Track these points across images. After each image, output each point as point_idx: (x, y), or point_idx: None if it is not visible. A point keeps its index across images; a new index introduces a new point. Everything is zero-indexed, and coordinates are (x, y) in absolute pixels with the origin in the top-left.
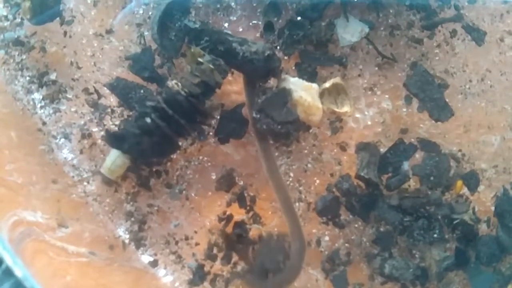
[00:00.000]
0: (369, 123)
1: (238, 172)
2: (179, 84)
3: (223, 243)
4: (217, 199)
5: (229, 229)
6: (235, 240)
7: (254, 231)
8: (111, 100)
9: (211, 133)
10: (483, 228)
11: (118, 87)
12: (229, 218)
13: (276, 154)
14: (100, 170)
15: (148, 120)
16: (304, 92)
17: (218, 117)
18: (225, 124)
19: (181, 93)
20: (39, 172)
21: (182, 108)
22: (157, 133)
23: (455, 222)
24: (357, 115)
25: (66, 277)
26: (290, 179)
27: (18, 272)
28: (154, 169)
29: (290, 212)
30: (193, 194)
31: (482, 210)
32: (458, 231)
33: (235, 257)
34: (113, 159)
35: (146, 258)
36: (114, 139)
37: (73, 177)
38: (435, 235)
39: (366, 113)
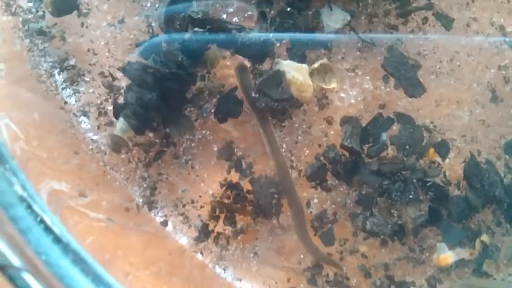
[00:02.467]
0: (353, 101)
1: (236, 144)
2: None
3: (224, 206)
4: (219, 168)
5: (228, 194)
6: (233, 201)
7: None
8: (124, 82)
9: (212, 110)
10: (454, 190)
11: (129, 70)
12: (229, 183)
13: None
14: (114, 132)
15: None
16: (296, 72)
17: (216, 99)
18: (222, 105)
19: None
20: (61, 147)
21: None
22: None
23: (428, 184)
24: (342, 95)
25: (90, 238)
26: (283, 150)
27: (56, 229)
28: (164, 141)
29: (287, 180)
30: (197, 163)
31: (453, 175)
32: (431, 192)
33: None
34: (122, 123)
35: (157, 219)
36: (118, 109)
37: (92, 149)
38: (411, 196)
39: (350, 93)
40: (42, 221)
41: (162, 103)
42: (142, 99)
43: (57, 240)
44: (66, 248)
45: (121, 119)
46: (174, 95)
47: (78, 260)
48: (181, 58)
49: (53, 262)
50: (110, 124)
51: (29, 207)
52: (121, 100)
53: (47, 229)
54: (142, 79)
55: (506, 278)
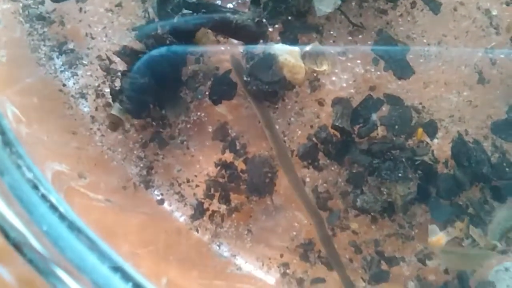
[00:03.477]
0: (344, 84)
1: (230, 126)
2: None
3: (218, 185)
4: (213, 148)
5: (223, 173)
6: (227, 180)
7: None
8: (121, 65)
9: (207, 93)
10: (442, 169)
11: (124, 54)
12: (224, 163)
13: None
14: (111, 111)
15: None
16: (288, 55)
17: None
18: (217, 87)
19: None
20: (60, 129)
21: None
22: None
23: (416, 163)
24: (334, 78)
25: (91, 217)
26: None
27: (61, 208)
28: (160, 122)
29: (286, 162)
30: (192, 144)
31: (441, 155)
32: (419, 171)
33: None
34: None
35: (154, 198)
36: (114, 95)
37: (91, 129)
38: (400, 174)
39: (341, 76)
40: (47, 200)
41: (156, 86)
42: (135, 83)
43: (63, 217)
44: (71, 226)
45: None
46: (167, 77)
47: (83, 238)
48: (170, 41)
49: (59, 239)
50: (108, 105)
51: (36, 187)
52: (118, 83)
53: (53, 208)
54: (134, 64)
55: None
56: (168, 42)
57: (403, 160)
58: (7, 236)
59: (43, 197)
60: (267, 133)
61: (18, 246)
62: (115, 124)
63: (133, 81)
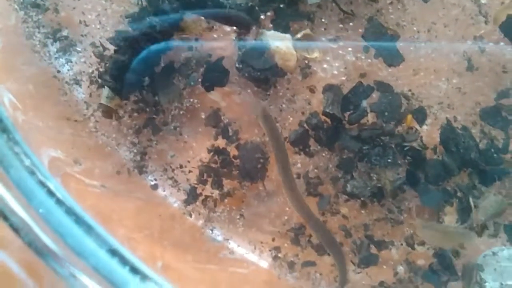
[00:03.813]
0: (335, 72)
1: (223, 113)
2: None
3: (211, 170)
4: (206, 135)
5: (216, 159)
6: (220, 165)
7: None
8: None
9: (199, 79)
10: (430, 155)
11: (115, 40)
12: (216, 149)
13: (257, 98)
14: (101, 101)
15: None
16: (279, 42)
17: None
18: (209, 74)
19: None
20: (55, 116)
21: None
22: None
23: (406, 149)
24: (325, 65)
25: (87, 202)
26: None
27: (59, 194)
28: (153, 109)
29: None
30: (185, 130)
31: (430, 141)
32: (408, 157)
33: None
34: (107, 90)
35: (148, 183)
36: (100, 75)
37: (85, 115)
38: (389, 160)
39: (332, 63)
40: (45, 186)
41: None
42: (116, 62)
43: (60, 203)
44: (69, 211)
45: (105, 87)
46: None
47: (81, 222)
48: (157, 25)
49: (57, 224)
50: (101, 91)
51: (33, 173)
52: None
53: (50, 193)
54: (118, 45)
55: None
56: (156, 27)
57: (393, 146)
58: (6, 220)
59: (41, 183)
60: (282, 177)
61: (17, 230)
62: (107, 113)
63: (115, 60)
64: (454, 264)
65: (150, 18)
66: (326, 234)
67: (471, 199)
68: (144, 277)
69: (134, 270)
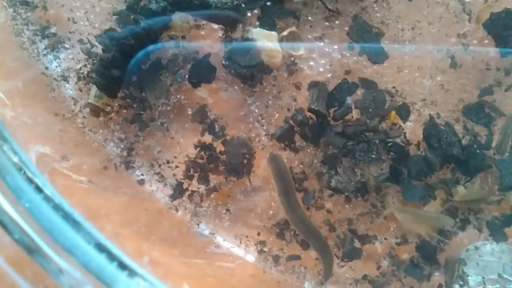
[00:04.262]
0: (321, 69)
1: (210, 109)
2: None
3: (197, 165)
4: (193, 130)
5: (202, 154)
6: (206, 161)
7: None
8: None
9: (186, 76)
10: (414, 150)
11: (102, 38)
12: (203, 145)
13: (243, 95)
14: (89, 100)
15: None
16: (265, 39)
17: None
18: (196, 71)
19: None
20: (43, 112)
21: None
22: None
23: (389, 145)
24: (311, 63)
25: (75, 198)
26: (255, 114)
27: (47, 191)
28: (141, 105)
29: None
30: (172, 126)
31: (413, 137)
32: (392, 152)
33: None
34: (95, 89)
35: (134, 178)
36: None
37: (72, 110)
38: (373, 156)
39: (318, 60)
40: (32, 182)
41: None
42: (102, 59)
43: (48, 199)
44: (57, 207)
45: (94, 86)
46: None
47: (68, 218)
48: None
49: (45, 220)
50: (89, 87)
51: (21, 170)
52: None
53: (38, 190)
54: (105, 44)
55: None
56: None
57: (376, 142)
58: None
59: (29, 179)
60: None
61: (5, 226)
62: (95, 112)
63: (101, 57)
64: (437, 258)
65: (138, 16)
66: (311, 228)
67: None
68: (132, 272)
69: (122, 265)
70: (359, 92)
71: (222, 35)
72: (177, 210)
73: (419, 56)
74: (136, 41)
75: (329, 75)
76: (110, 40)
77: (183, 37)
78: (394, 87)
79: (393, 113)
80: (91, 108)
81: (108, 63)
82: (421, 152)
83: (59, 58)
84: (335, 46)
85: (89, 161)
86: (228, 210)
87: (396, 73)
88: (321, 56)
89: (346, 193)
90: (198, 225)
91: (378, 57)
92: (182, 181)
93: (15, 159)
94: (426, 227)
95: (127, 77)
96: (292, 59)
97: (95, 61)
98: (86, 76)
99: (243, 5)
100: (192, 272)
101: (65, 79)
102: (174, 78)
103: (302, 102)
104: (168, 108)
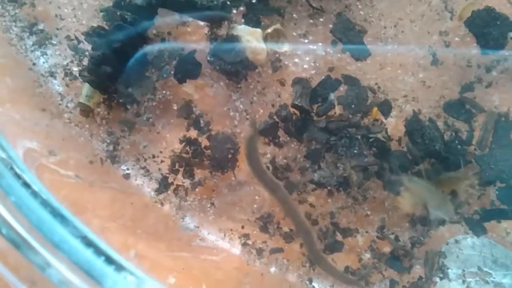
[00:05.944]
0: (306, 66)
1: (195, 104)
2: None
3: (183, 160)
4: (178, 126)
5: (187, 149)
6: (191, 155)
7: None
8: (88, 45)
9: (172, 72)
10: (395, 146)
11: (90, 35)
12: (188, 140)
13: (228, 91)
14: (80, 100)
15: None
16: (250, 36)
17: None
18: (182, 66)
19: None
20: (31, 108)
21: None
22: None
23: (371, 140)
24: (296, 60)
25: (62, 193)
26: (240, 110)
27: (34, 187)
28: (126, 100)
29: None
30: (158, 121)
31: (395, 133)
32: (374, 148)
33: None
34: (87, 89)
35: (120, 172)
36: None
37: (60, 105)
38: (355, 151)
39: (302, 57)
40: (20, 178)
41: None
42: (93, 57)
43: (35, 195)
44: (45, 203)
45: (85, 85)
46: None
47: (56, 213)
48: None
49: (33, 215)
50: (75, 83)
51: (8, 165)
52: (85, 62)
53: (26, 185)
54: (94, 42)
55: None
56: (128, 20)
57: (359, 137)
58: None
59: (16, 175)
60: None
61: None
62: (85, 111)
63: (91, 55)
64: (414, 252)
65: (124, 12)
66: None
67: None
68: (119, 266)
69: (109, 260)
70: (342, 88)
71: (208, 32)
72: (162, 204)
73: (401, 53)
74: (123, 37)
75: (313, 72)
76: (98, 37)
77: (169, 34)
78: (376, 84)
79: (375, 109)
80: (81, 108)
81: (99, 60)
82: (402, 147)
83: (47, 54)
84: (319, 43)
85: (76, 156)
86: (213, 204)
87: (379, 70)
88: (305, 53)
89: (328, 187)
90: (183, 219)
91: (361, 54)
92: (168, 175)
93: (3, 155)
94: (435, 199)
95: (117, 73)
96: (277, 55)
97: (82, 57)
98: (78, 75)
99: (228, 3)
100: (177, 265)
101: (52, 75)
102: (160, 74)
103: (286, 98)
104: (154, 104)
